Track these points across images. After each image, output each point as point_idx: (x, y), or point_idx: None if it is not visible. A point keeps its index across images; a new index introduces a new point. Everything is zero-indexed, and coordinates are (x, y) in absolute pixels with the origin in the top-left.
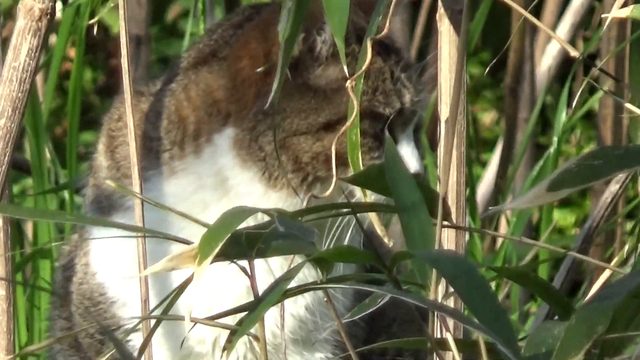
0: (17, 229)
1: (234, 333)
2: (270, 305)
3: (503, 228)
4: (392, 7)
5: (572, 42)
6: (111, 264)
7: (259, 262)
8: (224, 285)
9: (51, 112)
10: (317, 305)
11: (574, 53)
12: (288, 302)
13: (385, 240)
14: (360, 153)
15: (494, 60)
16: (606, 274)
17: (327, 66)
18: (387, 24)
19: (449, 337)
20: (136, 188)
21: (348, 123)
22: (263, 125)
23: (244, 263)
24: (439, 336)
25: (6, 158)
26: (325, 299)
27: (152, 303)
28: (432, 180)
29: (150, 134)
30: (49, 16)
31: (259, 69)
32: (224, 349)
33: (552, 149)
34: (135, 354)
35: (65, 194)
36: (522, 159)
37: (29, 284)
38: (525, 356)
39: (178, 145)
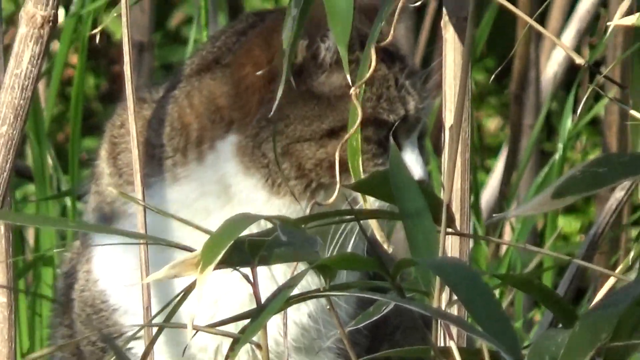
0: (19, 236)
1: (237, 341)
2: (273, 313)
3: (507, 235)
4: (397, 14)
5: (578, 48)
6: (113, 271)
7: (261, 270)
8: (226, 292)
9: (53, 119)
10: (320, 313)
11: (579, 60)
12: (291, 310)
13: (385, 246)
14: (361, 159)
15: (500, 68)
16: (611, 281)
17: (330, 73)
18: (392, 31)
19: (452, 345)
20: (138, 195)
21: (352, 130)
22: (266, 132)
23: (247, 270)
24: (442, 344)
25: (8, 165)
26: (328, 307)
27: (154, 311)
28: (437, 186)
29: (153, 140)
30: (51, 23)
31: (260, 72)
32: (227, 357)
33: (557, 156)
34: None
35: (67, 201)
36: (527, 166)
37: (31, 291)
38: None
39: (181, 152)
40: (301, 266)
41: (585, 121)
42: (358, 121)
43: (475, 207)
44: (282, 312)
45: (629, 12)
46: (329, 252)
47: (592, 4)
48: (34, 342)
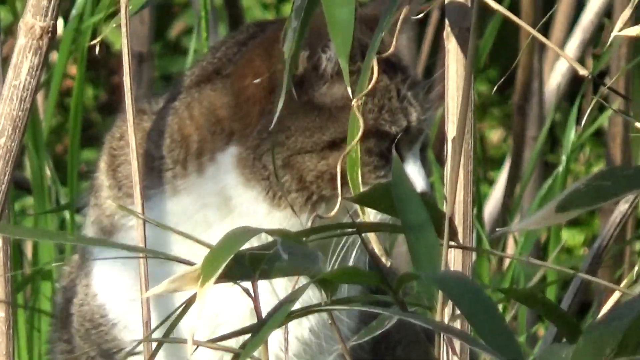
0: (17, 249)
1: (237, 356)
2: (274, 327)
3: (511, 248)
4: (399, 25)
5: (582, 59)
6: (112, 285)
7: (262, 283)
8: (227, 306)
9: (52, 130)
10: (321, 327)
11: (582, 72)
12: (292, 325)
13: (383, 260)
14: (360, 172)
15: (502, 79)
16: (616, 295)
17: (332, 84)
18: (394, 42)
19: (455, 359)
20: (138, 208)
21: (353, 142)
22: (267, 144)
23: (248, 284)
24: (445, 359)
25: (6, 177)
26: (330, 321)
27: (154, 325)
28: (439, 198)
29: (153, 152)
30: (50, 34)
31: (257, 80)
32: None
33: (560, 168)
34: None
35: (66, 214)
36: (531, 178)
37: (29, 305)
38: None
39: (181, 164)
40: (302, 280)
41: (589, 133)
42: (360, 133)
43: (478, 219)
44: (283, 326)
45: (636, 22)
46: (331, 265)
47: (596, 14)
48: (32, 357)
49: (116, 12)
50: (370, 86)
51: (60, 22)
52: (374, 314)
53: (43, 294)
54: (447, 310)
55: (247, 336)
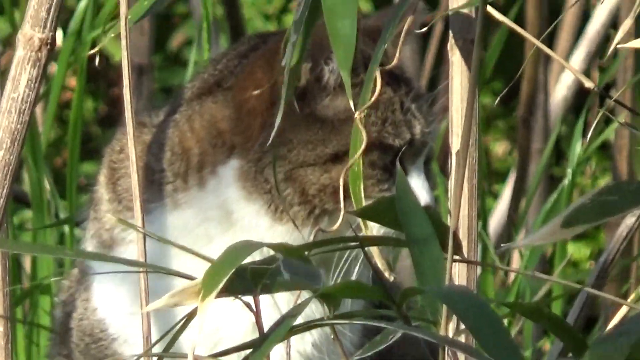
0: (15, 263)
1: None
2: (276, 342)
3: (516, 262)
4: (402, 36)
5: (588, 71)
6: (112, 300)
7: (264, 298)
8: (228, 321)
9: (51, 143)
10: (324, 342)
11: (588, 84)
12: (294, 339)
13: (386, 274)
14: (363, 185)
15: (506, 90)
16: (622, 310)
17: (335, 96)
18: (397, 54)
19: None
20: (138, 222)
21: (356, 155)
22: (269, 157)
23: (249, 299)
24: None
25: (5, 191)
26: (333, 336)
27: (155, 340)
28: (444, 211)
29: (153, 166)
30: (49, 46)
31: (257, 91)
32: None
33: (566, 181)
34: None
35: (66, 227)
36: (536, 191)
37: (28, 320)
38: None
39: (181, 177)
40: (305, 294)
41: (595, 146)
42: (363, 146)
43: (482, 233)
44: (286, 341)
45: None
46: (333, 279)
47: (602, 25)
48: None
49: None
50: (373, 98)
51: (59, 33)
52: (378, 329)
53: (42, 308)
54: (452, 325)
55: (249, 351)
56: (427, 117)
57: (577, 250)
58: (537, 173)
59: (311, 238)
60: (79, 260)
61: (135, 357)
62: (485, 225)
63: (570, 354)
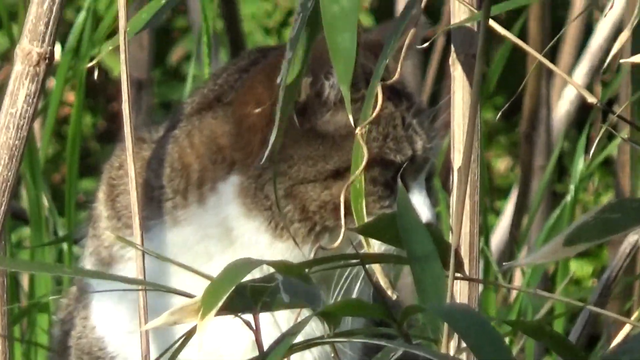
0: (13, 281)
1: None
2: None
3: (518, 279)
4: (404, 51)
5: (590, 86)
6: (111, 318)
7: (264, 315)
8: (227, 339)
9: (49, 159)
10: None
11: (591, 99)
12: (294, 357)
13: (389, 293)
14: (365, 202)
15: (507, 104)
16: (626, 328)
17: (335, 111)
18: (399, 69)
19: None
20: (137, 239)
21: (357, 172)
22: (269, 173)
23: (249, 317)
24: None
25: (3, 208)
26: (333, 354)
27: (154, 358)
28: (445, 228)
29: (152, 182)
30: (47, 61)
31: (258, 110)
32: None
33: (569, 197)
34: None
35: (64, 245)
36: (538, 208)
37: (26, 339)
38: None
39: (181, 194)
40: (305, 312)
41: (597, 162)
42: (364, 162)
43: (484, 250)
44: (285, 359)
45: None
46: (334, 297)
47: (605, 39)
48: None
49: (114, 34)
50: (374, 114)
51: (57, 47)
52: (378, 347)
53: (40, 326)
54: (453, 343)
55: None
56: (428, 132)
57: (579, 268)
58: (540, 189)
59: (312, 255)
60: (78, 278)
61: None
62: (487, 242)
63: None
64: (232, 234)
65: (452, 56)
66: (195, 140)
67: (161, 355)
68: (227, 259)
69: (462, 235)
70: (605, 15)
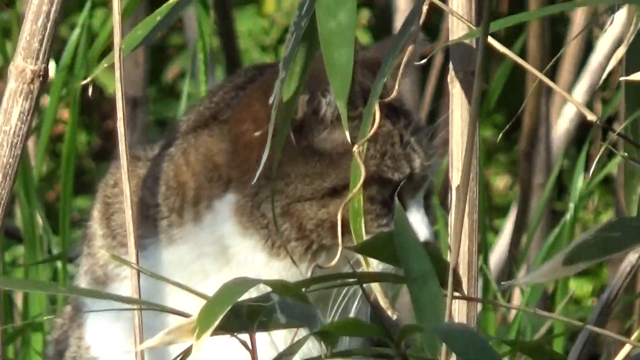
0: (7, 300)
1: None
2: None
3: (517, 299)
4: (402, 68)
5: (590, 103)
6: (106, 337)
7: (260, 335)
8: (224, 359)
9: (43, 177)
10: None
11: (590, 117)
12: None
13: (389, 313)
14: (363, 221)
15: (509, 125)
16: (626, 348)
17: (332, 129)
18: (397, 86)
19: None
20: (132, 258)
21: (355, 190)
22: (266, 191)
23: (245, 336)
24: None
25: None
26: None
27: None
28: (444, 247)
29: (148, 200)
30: (41, 78)
31: (257, 133)
32: None
33: (568, 216)
34: None
35: (58, 264)
36: (538, 226)
37: (19, 359)
38: None
39: (177, 212)
40: (302, 331)
41: (597, 180)
42: (361, 181)
43: (483, 269)
44: None
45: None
46: (331, 316)
47: (605, 57)
48: None
49: (109, 53)
50: (372, 132)
51: (52, 65)
52: None
53: (33, 347)
54: None
55: None
56: (427, 150)
57: (579, 287)
58: (539, 208)
59: (309, 274)
60: (72, 297)
61: None
62: (486, 261)
63: None
64: (228, 253)
65: (451, 73)
66: (191, 158)
67: None
68: (223, 278)
69: (460, 253)
70: (605, 33)
